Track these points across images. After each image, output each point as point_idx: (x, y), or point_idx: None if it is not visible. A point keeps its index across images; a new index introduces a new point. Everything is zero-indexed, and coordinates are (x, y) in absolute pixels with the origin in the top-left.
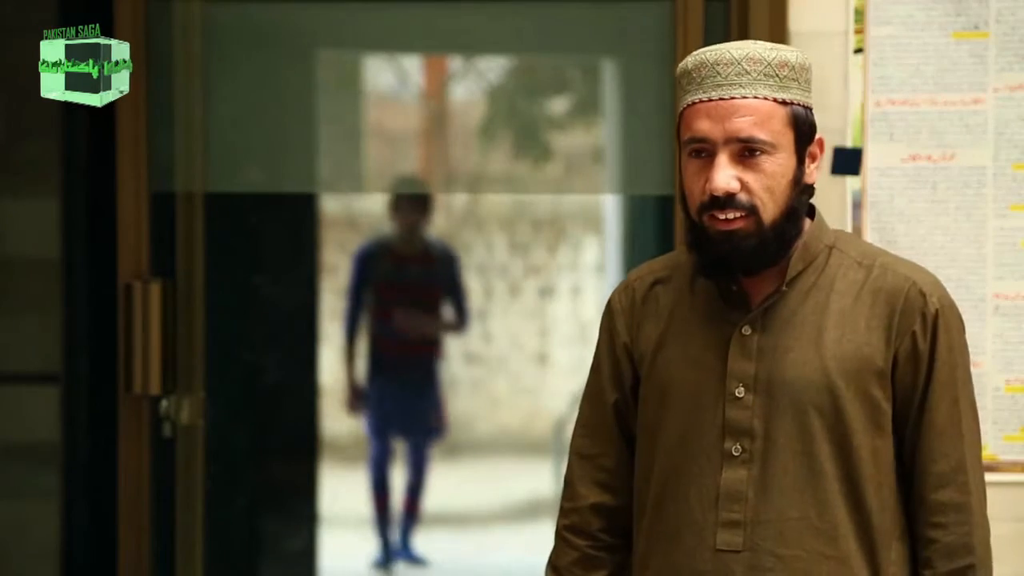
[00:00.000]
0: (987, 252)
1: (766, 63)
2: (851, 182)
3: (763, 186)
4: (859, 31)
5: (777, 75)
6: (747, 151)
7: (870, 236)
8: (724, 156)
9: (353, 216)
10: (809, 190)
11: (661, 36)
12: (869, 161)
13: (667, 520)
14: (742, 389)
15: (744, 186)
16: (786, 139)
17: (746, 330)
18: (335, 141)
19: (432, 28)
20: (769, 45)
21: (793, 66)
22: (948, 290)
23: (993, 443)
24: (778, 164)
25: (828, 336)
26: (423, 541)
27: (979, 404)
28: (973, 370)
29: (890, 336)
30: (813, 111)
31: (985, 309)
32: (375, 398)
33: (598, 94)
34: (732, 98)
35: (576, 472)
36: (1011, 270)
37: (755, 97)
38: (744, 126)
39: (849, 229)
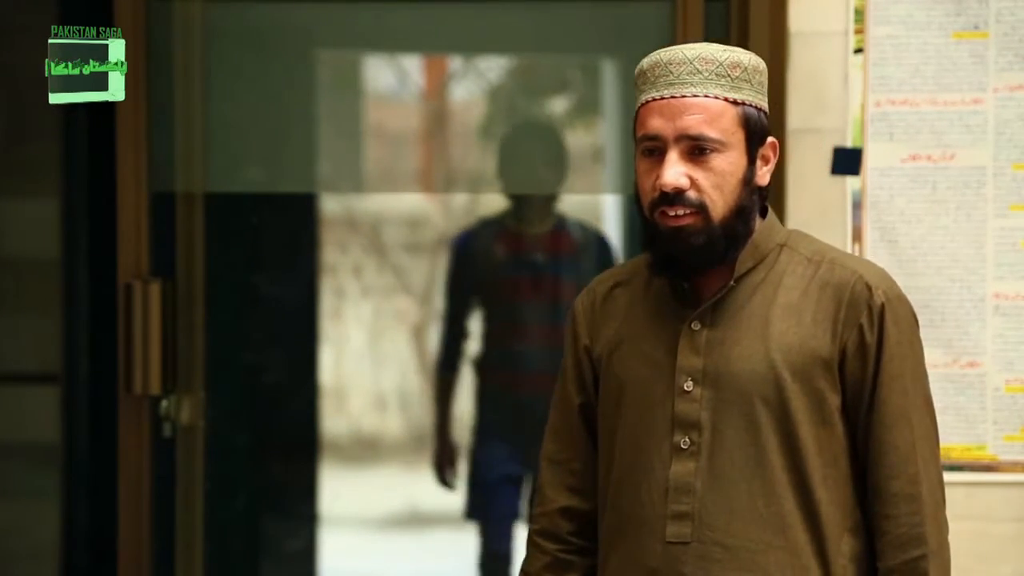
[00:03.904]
0: (987, 252)
1: (718, 63)
2: (851, 182)
3: (712, 184)
4: (859, 31)
5: (729, 75)
6: (697, 149)
7: (870, 236)
8: (674, 153)
9: (353, 216)
10: (761, 191)
11: (661, 36)
12: (869, 161)
13: (623, 515)
14: (690, 383)
15: (693, 183)
16: (736, 138)
17: (695, 325)
18: (335, 141)
19: (432, 28)
20: (722, 47)
21: (745, 67)
22: (948, 290)
23: (993, 443)
24: (728, 162)
25: (774, 329)
26: (423, 542)
27: (979, 404)
28: (973, 370)
29: (836, 329)
30: (767, 114)
31: (985, 309)
32: (486, 460)
33: (598, 94)
34: (683, 96)
35: (546, 477)
36: (1011, 270)
37: (706, 96)
38: (694, 123)
39: (849, 229)
